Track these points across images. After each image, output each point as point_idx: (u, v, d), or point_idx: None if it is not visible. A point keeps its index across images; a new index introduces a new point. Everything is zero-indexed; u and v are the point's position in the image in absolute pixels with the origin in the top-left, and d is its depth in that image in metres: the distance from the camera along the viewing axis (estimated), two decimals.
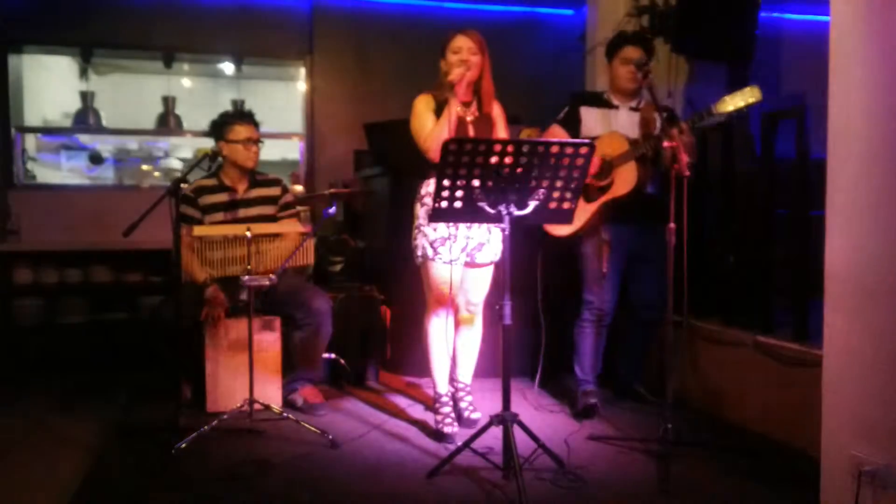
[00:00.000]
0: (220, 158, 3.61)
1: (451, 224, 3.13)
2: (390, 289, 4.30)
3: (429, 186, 3.21)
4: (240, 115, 3.78)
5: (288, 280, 3.66)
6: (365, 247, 4.69)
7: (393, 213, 4.30)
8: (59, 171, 6.26)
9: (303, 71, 5.76)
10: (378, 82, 5.58)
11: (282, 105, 6.37)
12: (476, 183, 2.61)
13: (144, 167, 6.75)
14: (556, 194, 2.69)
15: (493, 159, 2.55)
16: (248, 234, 3.24)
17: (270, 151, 6.30)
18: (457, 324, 3.38)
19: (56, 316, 4.83)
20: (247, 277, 3.17)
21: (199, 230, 3.34)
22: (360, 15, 5.61)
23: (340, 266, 4.46)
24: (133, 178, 6.63)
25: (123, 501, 2.61)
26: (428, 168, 3.19)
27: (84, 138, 6.36)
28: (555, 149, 2.57)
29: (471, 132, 3.19)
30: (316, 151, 5.64)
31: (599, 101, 3.55)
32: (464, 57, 3.12)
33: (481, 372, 3.52)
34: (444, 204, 2.66)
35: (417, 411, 3.64)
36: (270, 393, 3.54)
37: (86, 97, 5.89)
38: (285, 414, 3.27)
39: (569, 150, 2.58)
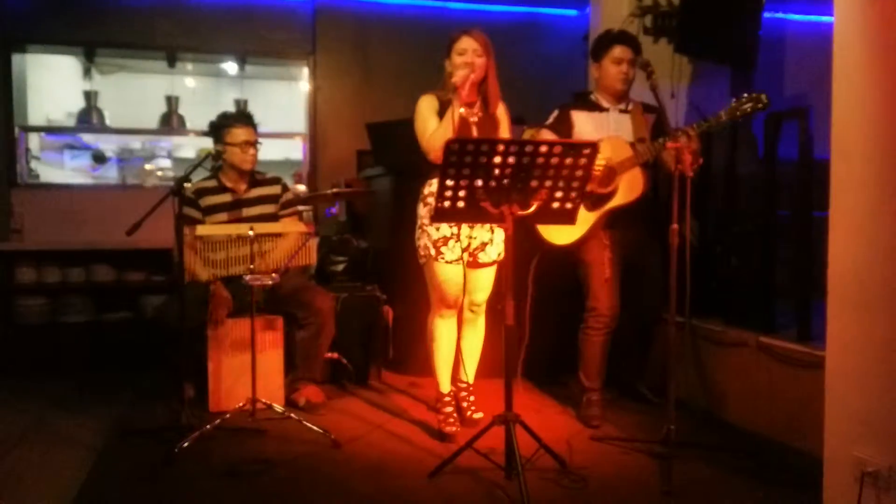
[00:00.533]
0: (220, 159, 3.62)
1: (453, 223, 3.13)
2: (392, 288, 4.30)
3: (431, 186, 3.20)
4: (238, 116, 3.79)
5: (290, 279, 3.67)
6: (367, 246, 4.70)
7: (395, 212, 4.30)
8: (62, 170, 6.27)
9: (305, 71, 5.76)
10: (381, 82, 5.59)
11: (284, 105, 6.37)
12: (479, 183, 2.61)
13: (147, 166, 6.76)
14: (558, 194, 2.69)
15: (496, 159, 2.55)
16: (251, 233, 3.24)
17: (273, 151, 6.32)
18: (460, 324, 3.38)
19: (58, 315, 4.83)
20: (249, 277, 3.17)
21: (201, 230, 3.34)
22: (362, 15, 5.61)
23: (343, 266, 4.46)
24: (136, 177, 6.64)
25: (126, 500, 2.61)
26: (430, 168, 3.19)
27: (87, 137, 6.37)
28: (558, 149, 2.57)
29: (474, 132, 3.19)
30: (318, 151, 5.64)
31: (589, 103, 3.52)
32: (469, 59, 3.12)
33: (483, 372, 3.52)
34: (447, 204, 2.66)
35: (419, 411, 3.64)
36: (273, 392, 3.54)
37: (89, 96, 5.90)
38: (287, 413, 3.27)
39: (572, 151, 2.58)
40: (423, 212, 3.23)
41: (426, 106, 3.20)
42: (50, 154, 6.14)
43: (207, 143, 3.95)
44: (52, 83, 6.03)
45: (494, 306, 3.32)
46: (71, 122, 6.05)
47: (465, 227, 3.16)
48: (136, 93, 6.53)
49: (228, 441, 3.12)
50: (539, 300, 3.59)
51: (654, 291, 3.57)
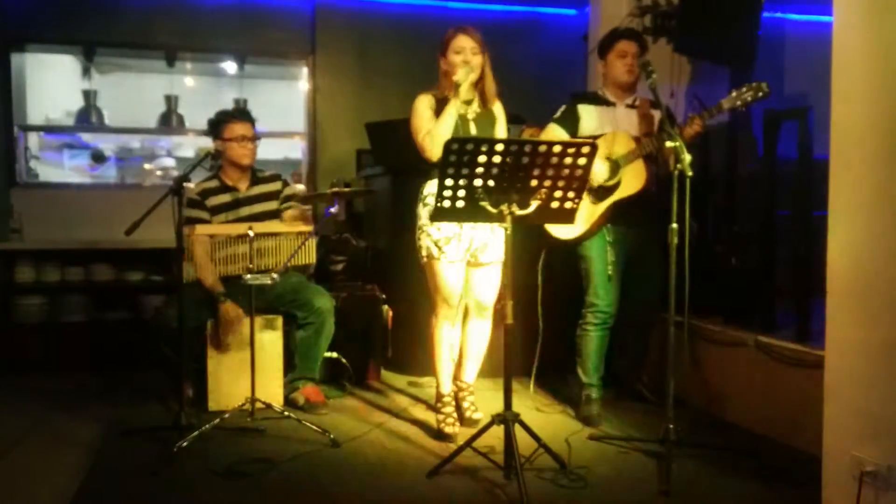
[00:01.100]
0: (220, 159, 3.62)
1: (454, 223, 3.13)
2: (392, 288, 4.30)
3: (430, 186, 3.20)
4: (235, 112, 3.80)
5: (290, 279, 3.66)
6: (367, 246, 4.70)
7: (394, 212, 4.30)
8: (61, 169, 6.26)
9: (305, 70, 5.76)
10: (380, 82, 5.58)
11: (284, 104, 6.36)
12: (478, 182, 2.61)
13: (148, 166, 6.75)
14: (558, 194, 2.69)
15: (496, 159, 2.55)
16: (251, 232, 3.24)
17: (272, 150, 6.31)
18: (465, 325, 3.37)
19: (57, 314, 4.82)
20: (249, 276, 3.17)
21: (200, 229, 3.34)
22: (362, 14, 5.60)
23: (342, 265, 4.46)
24: (135, 176, 6.63)
25: (125, 500, 2.61)
26: (430, 168, 3.19)
27: (86, 137, 6.36)
28: (557, 149, 2.57)
29: (472, 130, 3.19)
30: (318, 151, 5.64)
31: (597, 98, 3.54)
32: (466, 57, 3.12)
33: (482, 371, 3.52)
34: (446, 203, 2.65)
35: (419, 411, 3.64)
36: (272, 392, 3.54)
37: (88, 96, 5.89)
38: (287, 413, 3.27)
39: (571, 151, 2.58)
40: (422, 212, 3.23)
41: (423, 105, 3.20)
42: (49, 153, 6.14)
43: (206, 143, 3.95)
44: (52, 82, 6.02)
45: (494, 305, 3.32)
46: (70, 122, 6.04)
47: (466, 227, 3.16)
48: (135, 92, 6.52)
49: (227, 441, 3.12)
50: (546, 297, 3.59)
51: (654, 290, 3.58)
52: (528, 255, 3.50)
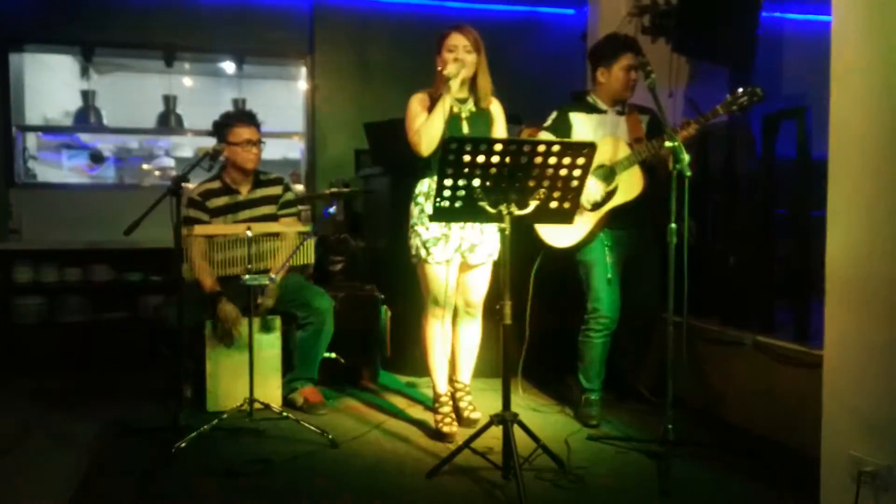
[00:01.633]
0: (221, 158, 3.61)
1: (443, 224, 3.13)
2: (391, 288, 4.29)
3: (423, 186, 3.21)
4: (241, 115, 3.79)
5: (289, 280, 3.66)
6: (365, 246, 4.69)
7: (393, 212, 4.29)
8: (59, 169, 6.26)
9: (304, 70, 5.76)
10: (379, 82, 5.58)
11: (282, 104, 6.36)
12: (476, 182, 2.60)
13: (145, 166, 6.75)
14: (556, 194, 2.69)
15: (494, 159, 2.55)
16: (249, 233, 3.24)
17: (271, 151, 6.28)
18: (456, 324, 3.38)
19: (56, 315, 4.82)
20: (247, 277, 3.17)
21: (199, 229, 3.34)
22: (361, 14, 5.60)
23: (341, 266, 4.46)
24: (134, 176, 6.63)
25: (123, 500, 2.60)
26: (422, 167, 3.19)
27: (85, 137, 6.35)
28: (556, 149, 2.57)
29: (465, 129, 3.19)
30: (316, 151, 5.64)
31: (587, 105, 3.52)
32: (459, 55, 3.12)
33: (481, 372, 3.52)
34: (445, 203, 2.65)
35: (417, 411, 3.64)
36: (270, 392, 3.54)
37: (87, 96, 5.88)
38: (285, 413, 3.27)
39: (570, 151, 2.58)
40: (414, 211, 3.23)
41: (416, 103, 3.21)
42: (47, 154, 6.13)
43: (205, 143, 3.94)
44: (50, 83, 6.02)
45: (492, 306, 3.32)
46: (68, 122, 6.04)
47: (455, 228, 3.16)
48: (133, 92, 6.51)
49: (226, 441, 3.12)
50: (540, 300, 3.58)
51: (654, 291, 3.58)
52: (521, 256, 3.48)
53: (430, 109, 3.16)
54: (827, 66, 2.32)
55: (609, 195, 3.37)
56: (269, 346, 3.60)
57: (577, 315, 3.56)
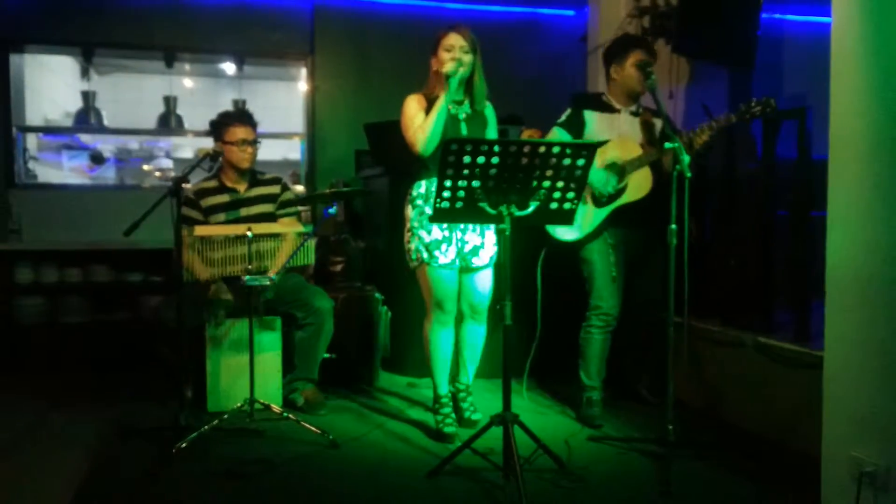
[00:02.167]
0: (220, 159, 3.62)
1: (444, 226, 3.13)
2: (391, 288, 4.30)
3: (420, 188, 3.21)
4: (237, 115, 3.79)
5: (289, 280, 3.66)
6: (365, 247, 4.69)
7: (393, 213, 4.29)
8: (60, 170, 6.27)
9: (304, 71, 5.76)
10: (379, 82, 5.58)
11: (283, 105, 6.38)
12: (477, 183, 2.61)
13: (146, 167, 6.76)
14: (557, 195, 2.69)
15: (495, 160, 2.55)
16: (250, 233, 3.24)
17: (272, 151, 6.32)
18: (461, 327, 3.37)
19: (57, 315, 4.82)
20: (247, 277, 3.17)
21: (200, 230, 3.34)
22: (361, 15, 5.61)
23: (341, 266, 4.46)
24: (134, 177, 6.64)
25: (124, 501, 2.61)
26: (419, 168, 3.19)
27: (85, 138, 6.37)
28: (556, 149, 2.57)
29: (464, 130, 3.19)
30: (317, 151, 5.64)
31: (601, 104, 3.54)
32: (456, 55, 3.12)
33: (481, 372, 3.52)
34: (445, 204, 2.65)
35: (418, 411, 3.64)
36: (271, 393, 3.54)
37: (87, 97, 5.89)
38: (286, 414, 3.27)
39: (570, 151, 2.58)
40: (412, 214, 3.22)
41: (413, 102, 3.20)
42: (48, 154, 6.14)
43: (206, 144, 3.95)
44: (50, 83, 6.03)
45: (493, 306, 3.32)
46: (69, 123, 6.05)
47: (456, 230, 3.15)
48: (133, 93, 6.53)
49: (226, 442, 3.12)
50: (543, 300, 3.58)
51: (655, 291, 3.58)
52: (527, 256, 3.50)
53: (427, 110, 3.15)
54: (827, 66, 2.33)
55: (619, 192, 3.38)
56: (270, 346, 3.60)
57: (581, 312, 3.57)
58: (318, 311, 3.62)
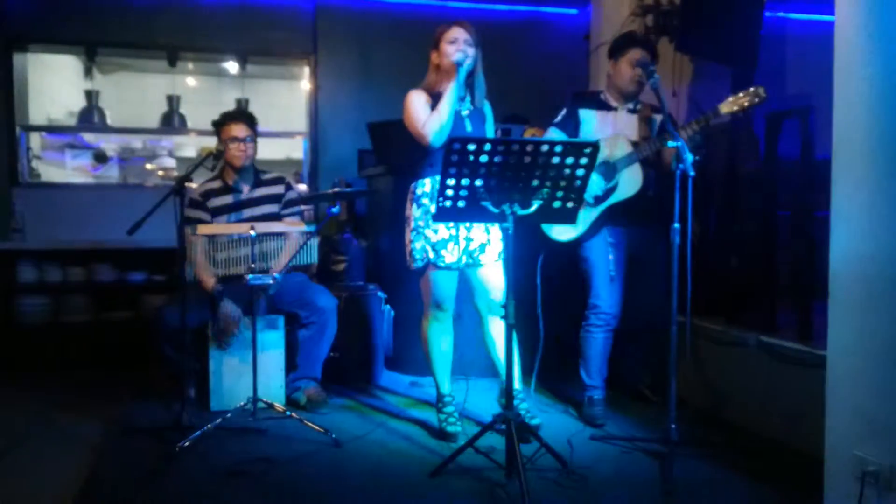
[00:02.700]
0: (223, 158, 3.63)
1: (451, 225, 3.12)
2: (393, 287, 4.30)
3: (425, 186, 3.19)
4: (232, 113, 3.80)
5: (293, 279, 3.67)
6: (368, 246, 4.70)
7: (396, 212, 4.29)
8: (63, 169, 6.28)
9: (307, 70, 5.76)
10: (381, 81, 5.57)
11: (286, 104, 6.38)
12: (479, 182, 2.60)
13: (149, 166, 6.76)
14: (559, 194, 2.69)
15: (497, 159, 2.55)
16: (252, 232, 3.24)
17: (274, 150, 6.32)
18: (484, 328, 3.31)
19: (60, 314, 4.83)
20: (251, 276, 3.17)
21: (202, 229, 3.34)
22: (363, 14, 5.60)
23: (344, 265, 4.46)
24: (137, 176, 6.64)
25: (126, 500, 2.61)
26: (425, 167, 3.18)
27: (88, 137, 6.37)
28: (559, 149, 2.57)
29: (468, 127, 3.19)
30: (319, 150, 5.64)
31: (598, 102, 3.53)
32: (461, 47, 3.11)
33: (482, 370, 3.52)
34: (447, 203, 2.65)
35: (420, 410, 3.64)
36: (274, 391, 3.55)
37: (90, 96, 5.90)
38: (288, 412, 3.28)
39: (572, 150, 2.58)
40: (417, 213, 3.20)
41: (418, 97, 3.17)
42: (51, 153, 6.15)
43: (208, 143, 3.96)
44: (54, 82, 6.03)
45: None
46: (72, 122, 6.05)
47: (461, 228, 3.15)
48: (137, 92, 6.54)
49: (229, 440, 3.12)
50: (545, 299, 3.58)
51: (657, 291, 3.58)
52: (527, 256, 3.49)
53: (432, 105, 3.13)
54: (830, 66, 2.32)
55: (609, 191, 3.38)
56: (273, 345, 3.61)
57: (582, 312, 3.57)
58: (322, 310, 3.62)
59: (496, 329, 3.26)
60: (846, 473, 2.25)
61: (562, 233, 3.44)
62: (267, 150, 3.81)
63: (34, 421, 3.51)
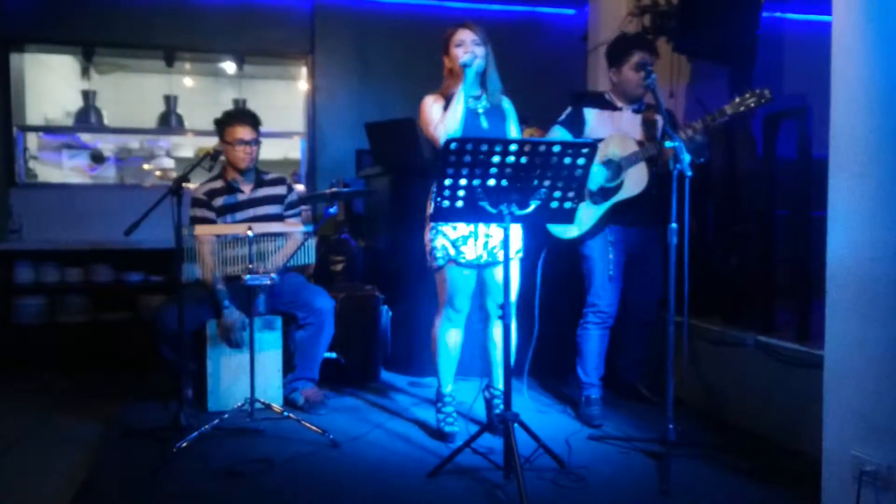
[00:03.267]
0: (221, 158, 3.61)
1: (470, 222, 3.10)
2: (391, 288, 4.30)
3: None
4: (237, 114, 3.79)
5: (290, 279, 3.66)
6: (366, 246, 4.70)
7: (394, 212, 4.30)
8: (60, 169, 6.27)
9: (304, 70, 5.76)
10: (379, 82, 5.58)
11: (283, 104, 6.37)
12: (477, 182, 2.60)
13: (146, 166, 6.76)
14: (557, 194, 2.69)
15: (495, 159, 2.55)
16: (250, 233, 3.24)
17: (272, 150, 6.32)
18: (488, 326, 3.30)
19: (57, 315, 4.83)
20: (248, 277, 3.17)
21: (200, 229, 3.34)
22: (361, 14, 5.60)
23: (342, 265, 4.46)
24: (134, 177, 6.64)
25: (124, 500, 2.61)
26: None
27: (85, 137, 6.37)
28: (556, 149, 2.57)
29: (484, 124, 3.16)
30: (317, 151, 5.64)
31: (602, 102, 3.54)
32: (469, 49, 3.10)
33: (480, 371, 3.51)
34: (445, 203, 2.65)
35: (418, 411, 3.64)
36: (271, 392, 3.54)
37: (87, 96, 5.89)
38: (286, 413, 3.27)
39: (570, 151, 2.58)
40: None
41: (431, 101, 3.16)
42: (48, 154, 6.14)
43: (206, 143, 3.95)
44: (51, 83, 6.03)
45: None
46: (69, 122, 6.05)
47: (481, 226, 3.10)
48: (134, 92, 6.53)
49: (227, 441, 3.12)
50: (544, 298, 3.58)
51: (655, 290, 3.59)
52: (527, 255, 3.49)
53: (446, 107, 3.11)
54: (827, 66, 2.32)
55: (615, 189, 3.38)
56: (271, 346, 3.60)
57: (577, 313, 3.57)
58: (319, 311, 3.62)
59: (500, 332, 3.25)
60: (844, 473, 2.25)
61: (565, 230, 3.45)
62: (264, 150, 3.79)
63: (31, 422, 3.50)
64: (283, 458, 2.95)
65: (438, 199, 2.64)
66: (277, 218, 3.69)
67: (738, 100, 3.13)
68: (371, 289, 4.29)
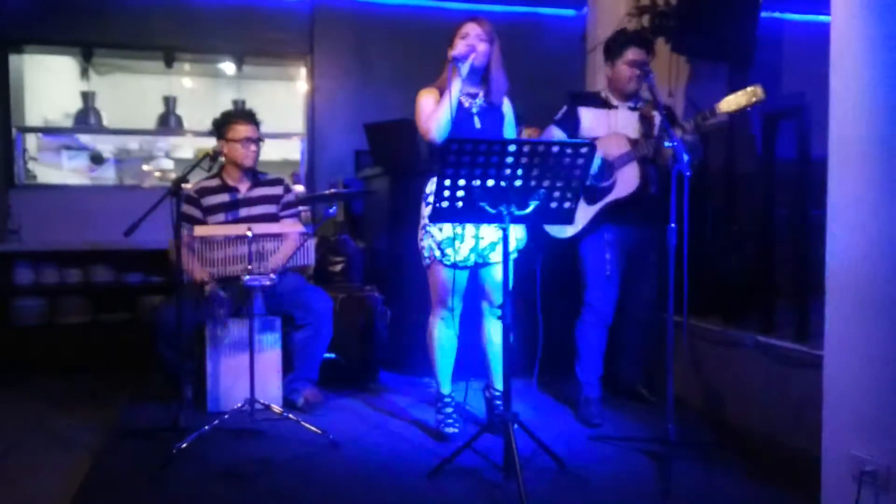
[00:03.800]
0: (221, 158, 3.62)
1: (456, 224, 3.11)
2: (391, 288, 4.29)
3: (433, 185, 3.18)
4: (240, 113, 3.79)
5: (289, 280, 3.66)
6: (365, 247, 4.69)
7: (393, 213, 4.30)
8: (59, 170, 6.27)
9: (303, 71, 5.76)
10: (379, 82, 5.58)
11: (282, 105, 6.36)
12: (476, 183, 2.60)
13: (145, 167, 6.75)
14: (556, 194, 2.69)
15: (494, 159, 2.54)
16: (250, 233, 3.24)
17: (271, 151, 6.30)
18: (483, 326, 3.31)
19: (56, 316, 4.82)
20: (247, 277, 3.17)
21: (200, 230, 3.34)
22: (360, 14, 5.60)
23: (341, 266, 4.46)
24: (134, 177, 6.63)
25: (124, 502, 2.61)
26: (432, 165, 3.16)
27: (85, 138, 6.36)
28: (555, 149, 2.57)
29: (477, 124, 3.17)
30: (316, 151, 5.64)
31: (598, 101, 3.54)
32: (470, 41, 3.09)
33: (479, 371, 3.51)
34: (444, 204, 2.65)
35: (418, 411, 3.64)
36: (271, 393, 3.54)
37: (86, 97, 5.89)
38: (286, 414, 3.27)
39: (569, 151, 2.58)
40: (425, 211, 3.18)
41: (426, 94, 3.15)
42: (47, 155, 6.14)
43: (205, 144, 3.95)
44: (50, 84, 6.02)
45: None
46: (68, 123, 6.04)
47: (469, 227, 3.13)
48: (133, 93, 6.52)
49: (226, 442, 3.12)
50: (543, 299, 3.58)
51: (654, 290, 3.59)
52: (527, 254, 3.50)
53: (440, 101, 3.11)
54: (826, 66, 2.32)
55: (607, 189, 3.38)
56: (270, 346, 3.60)
57: (575, 314, 3.57)
58: (318, 312, 3.62)
59: (496, 331, 3.23)
60: (843, 473, 2.25)
61: (559, 230, 3.45)
62: (263, 150, 3.80)
63: (31, 423, 3.50)
64: (283, 458, 2.95)
65: (438, 199, 2.64)
66: (272, 218, 3.69)
67: (730, 97, 3.11)
68: (370, 289, 4.29)
